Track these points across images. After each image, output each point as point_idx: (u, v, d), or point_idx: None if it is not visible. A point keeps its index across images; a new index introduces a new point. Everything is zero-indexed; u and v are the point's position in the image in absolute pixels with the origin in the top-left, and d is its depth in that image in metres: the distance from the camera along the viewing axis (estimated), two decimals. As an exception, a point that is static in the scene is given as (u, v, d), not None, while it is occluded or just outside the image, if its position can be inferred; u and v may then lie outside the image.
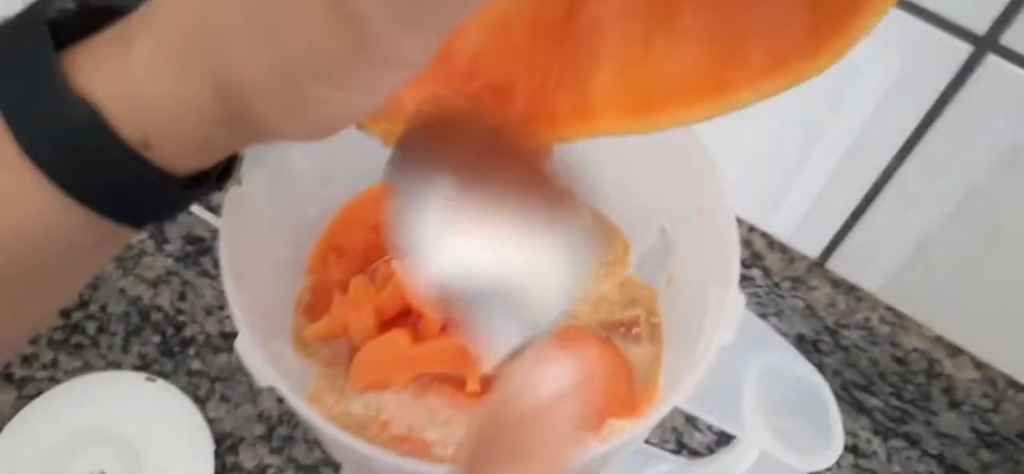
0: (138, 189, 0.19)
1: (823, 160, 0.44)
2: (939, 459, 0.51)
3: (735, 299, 0.25)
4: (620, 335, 0.31)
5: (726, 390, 0.26)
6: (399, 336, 0.28)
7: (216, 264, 0.55)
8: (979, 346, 0.46)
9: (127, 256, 0.54)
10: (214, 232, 0.55)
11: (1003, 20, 0.33)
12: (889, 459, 0.51)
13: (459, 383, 0.30)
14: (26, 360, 0.51)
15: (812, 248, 0.48)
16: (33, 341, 0.51)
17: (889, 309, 0.47)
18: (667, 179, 0.30)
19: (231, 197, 0.26)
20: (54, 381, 0.50)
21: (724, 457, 0.31)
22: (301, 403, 0.23)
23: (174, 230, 0.55)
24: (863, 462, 0.51)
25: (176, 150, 0.19)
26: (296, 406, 0.23)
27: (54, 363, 0.51)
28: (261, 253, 0.28)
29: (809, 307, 0.49)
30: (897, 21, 0.36)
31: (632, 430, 0.26)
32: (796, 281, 0.49)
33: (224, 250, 0.24)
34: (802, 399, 0.28)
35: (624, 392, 0.30)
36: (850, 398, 0.52)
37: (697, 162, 0.28)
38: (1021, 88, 0.35)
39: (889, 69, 0.38)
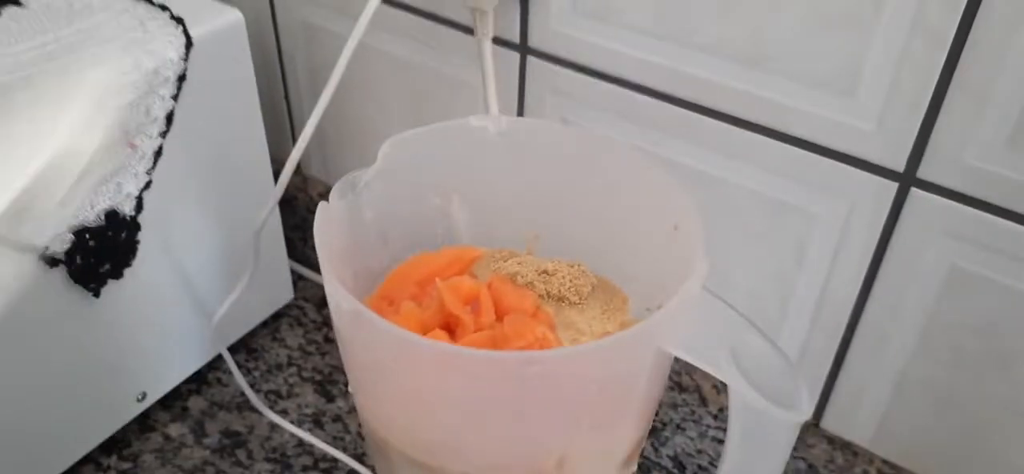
0: None
1: (800, 312, 0.50)
2: None
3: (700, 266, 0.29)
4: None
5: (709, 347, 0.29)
6: (439, 335, 0.33)
7: (250, 455, 0.58)
8: (974, 489, 0.48)
9: (167, 448, 0.58)
10: (250, 427, 0.59)
11: (916, 156, 0.42)
12: None
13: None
14: (58, 543, 0.52)
15: (804, 408, 0.52)
16: (67, 525, 0.53)
17: (885, 462, 0.50)
18: (660, 261, 0.37)
19: (321, 210, 0.32)
20: (82, 561, 0.51)
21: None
22: (361, 305, 0.27)
23: (213, 425, 0.59)
24: None
25: None
26: (357, 310, 0.27)
27: (85, 545, 0.52)
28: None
29: (811, 467, 0.52)
30: (831, 170, 0.45)
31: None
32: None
33: (319, 229, 0.30)
34: (771, 372, 0.30)
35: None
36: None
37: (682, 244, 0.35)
38: (946, 215, 0.43)
39: (837, 215, 0.46)
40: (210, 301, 0.60)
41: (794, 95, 0.44)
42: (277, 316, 0.67)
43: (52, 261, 0.48)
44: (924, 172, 0.42)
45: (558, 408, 0.29)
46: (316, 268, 0.71)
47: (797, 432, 0.30)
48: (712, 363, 0.28)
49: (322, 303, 0.69)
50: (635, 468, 0.34)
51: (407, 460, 0.31)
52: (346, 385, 0.63)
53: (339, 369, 0.64)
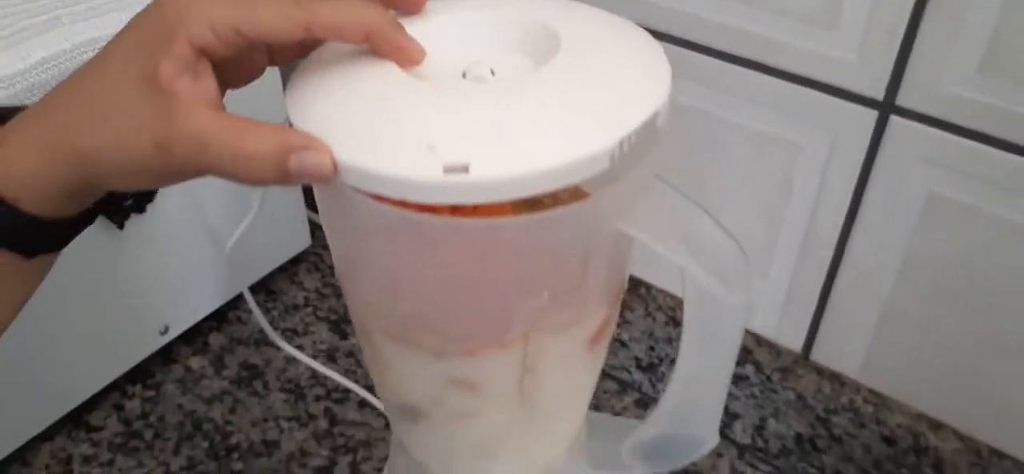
0: (18, 230, 0.29)
1: (787, 245, 0.51)
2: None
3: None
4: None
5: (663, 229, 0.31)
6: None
7: (266, 386, 0.61)
8: (956, 418, 0.49)
9: (188, 379, 0.61)
10: (267, 361, 0.63)
11: (894, 84, 0.44)
12: (902, 562, 0.52)
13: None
14: (86, 460, 0.56)
15: (795, 341, 0.54)
16: (95, 444, 0.57)
17: (871, 391, 0.52)
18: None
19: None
20: (109, 477, 0.55)
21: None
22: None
23: (233, 359, 0.63)
24: (875, 558, 0.52)
25: (42, 205, 0.29)
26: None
27: (111, 462, 0.56)
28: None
29: (800, 397, 0.54)
30: (815, 101, 0.46)
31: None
32: (785, 372, 0.54)
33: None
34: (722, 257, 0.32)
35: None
36: (853, 494, 0.54)
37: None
38: (923, 141, 0.44)
39: (821, 146, 0.48)
40: (227, 238, 0.64)
41: (779, 27, 0.46)
42: (296, 261, 0.70)
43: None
44: (902, 99, 0.44)
45: (515, 277, 0.31)
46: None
47: (746, 317, 0.32)
48: (665, 244, 0.30)
49: (337, 250, 0.72)
50: (605, 352, 0.36)
51: (389, 340, 0.34)
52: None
53: (352, 310, 0.67)
